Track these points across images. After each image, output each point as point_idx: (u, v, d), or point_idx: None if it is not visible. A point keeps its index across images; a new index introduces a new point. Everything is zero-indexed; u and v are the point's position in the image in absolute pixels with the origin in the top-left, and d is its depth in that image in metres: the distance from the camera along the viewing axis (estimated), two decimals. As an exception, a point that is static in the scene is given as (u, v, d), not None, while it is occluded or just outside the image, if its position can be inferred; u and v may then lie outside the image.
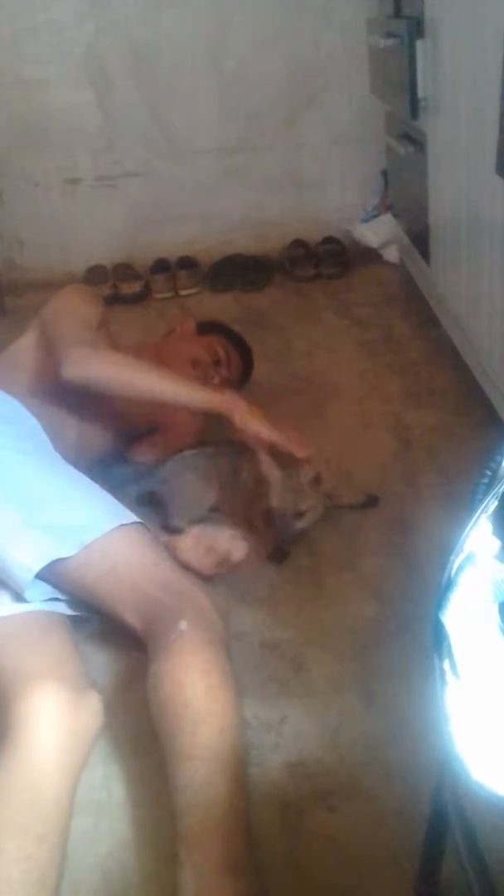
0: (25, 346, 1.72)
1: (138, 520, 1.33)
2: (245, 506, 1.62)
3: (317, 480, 1.53)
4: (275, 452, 1.56)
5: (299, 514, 1.53)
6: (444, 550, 0.68)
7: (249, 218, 3.12)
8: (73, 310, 1.72)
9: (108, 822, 1.10)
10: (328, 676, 1.28)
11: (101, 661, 1.36)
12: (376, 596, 1.43)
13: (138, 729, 1.22)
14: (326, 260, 2.98)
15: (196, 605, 1.21)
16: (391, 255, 2.90)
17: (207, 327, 2.03)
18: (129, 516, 1.32)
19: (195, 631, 1.16)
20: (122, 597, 1.25)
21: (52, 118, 2.91)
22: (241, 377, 2.00)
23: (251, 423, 1.54)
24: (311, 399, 2.11)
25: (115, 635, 1.41)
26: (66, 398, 1.65)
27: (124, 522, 1.30)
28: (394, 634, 1.33)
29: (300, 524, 1.54)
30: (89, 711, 1.15)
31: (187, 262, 3.06)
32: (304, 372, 2.27)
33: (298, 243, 3.10)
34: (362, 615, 1.39)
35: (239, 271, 3.01)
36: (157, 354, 1.87)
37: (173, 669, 1.12)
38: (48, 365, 1.63)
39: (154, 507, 1.66)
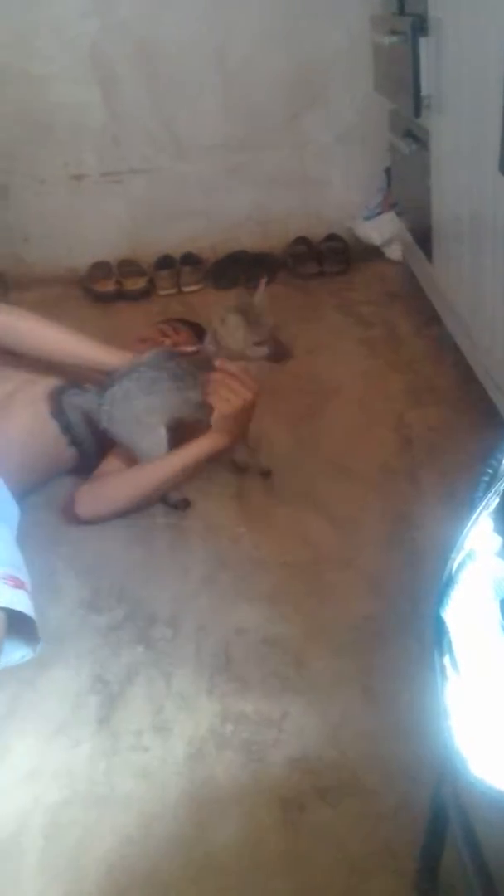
0: None
1: None
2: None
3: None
4: None
5: (258, 344, 1.60)
6: (445, 548, 0.69)
7: (253, 215, 3.12)
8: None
9: (111, 816, 1.10)
10: (329, 672, 1.29)
11: (106, 654, 1.37)
12: (377, 593, 1.43)
13: (141, 724, 1.23)
14: (329, 257, 2.98)
15: None
16: (394, 252, 2.90)
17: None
18: None
19: None
20: None
21: (58, 114, 2.91)
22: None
23: None
24: (312, 396, 2.11)
25: (118, 630, 1.42)
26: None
27: None
28: (394, 631, 1.34)
29: (259, 353, 1.60)
30: None
31: (191, 259, 3.06)
32: (306, 369, 2.27)
33: (301, 240, 3.10)
34: (363, 612, 1.39)
35: (242, 268, 3.01)
36: None
37: None
38: None
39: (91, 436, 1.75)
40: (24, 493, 1.64)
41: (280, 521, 1.66)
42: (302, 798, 1.10)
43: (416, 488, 1.69)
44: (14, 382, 1.77)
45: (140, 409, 1.64)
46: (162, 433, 1.66)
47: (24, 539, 1.43)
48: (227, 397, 1.59)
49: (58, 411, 1.73)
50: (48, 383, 1.78)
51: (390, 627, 1.35)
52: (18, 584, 1.22)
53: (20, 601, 1.19)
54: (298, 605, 1.43)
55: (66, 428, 1.74)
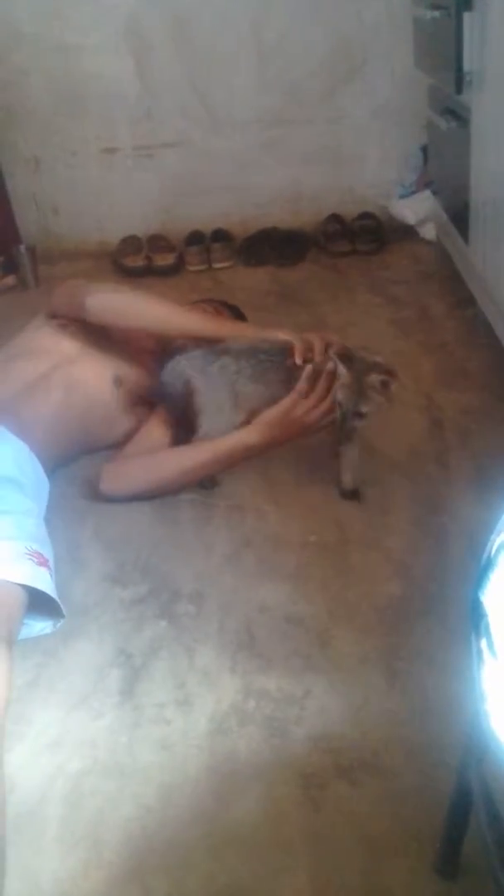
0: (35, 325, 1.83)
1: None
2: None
3: (385, 385, 1.50)
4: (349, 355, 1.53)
5: (358, 415, 1.52)
6: (474, 532, 0.68)
7: (286, 191, 3.09)
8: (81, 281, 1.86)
9: (131, 786, 1.11)
10: (353, 653, 1.28)
11: (129, 628, 1.38)
12: (403, 575, 1.42)
13: (163, 697, 1.24)
14: (362, 236, 2.95)
15: None
16: (428, 232, 2.86)
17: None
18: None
19: None
20: None
21: (92, 86, 2.90)
22: None
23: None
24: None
25: (142, 604, 1.42)
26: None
27: None
28: (420, 614, 1.33)
29: (357, 423, 1.54)
30: None
31: (221, 235, 3.04)
32: (337, 349, 2.26)
33: (334, 218, 3.07)
34: (388, 594, 1.39)
35: (273, 245, 2.99)
36: None
37: None
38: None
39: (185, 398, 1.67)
40: (54, 468, 1.64)
41: (306, 501, 1.65)
42: (323, 776, 1.10)
43: (446, 472, 1.68)
44: (52, 361, 1.76)
45: (240, 391, 1.60)
46: (236, 422, 1.62)
47: (52, 511, 1.45)
48: (300, 398, 1.53)
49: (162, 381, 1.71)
50: (85, 364, 1.78)
51: (416, 610, 1.34)
52: (42, 562, 1.22)
53: (42, 579, 1.20)
54: (323, 584, 1.43)
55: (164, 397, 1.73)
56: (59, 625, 1.30)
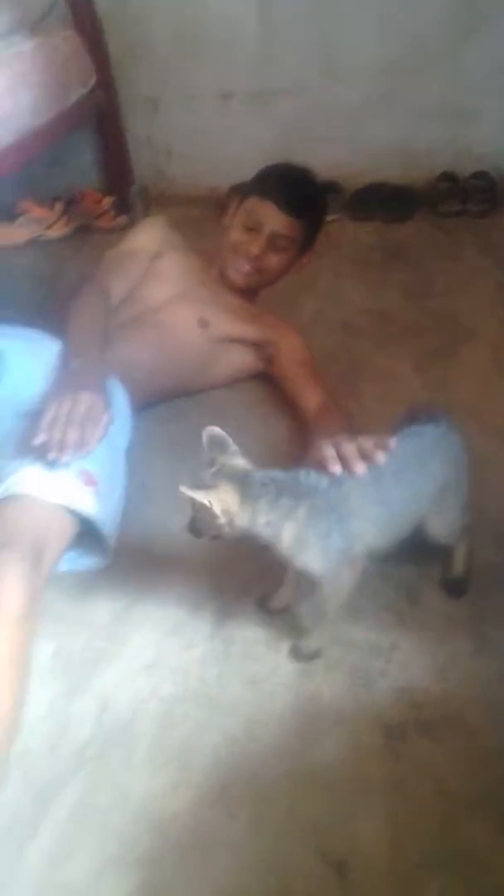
0: None
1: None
2: None
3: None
4: None
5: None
6: None
7: (399, 145, 3.01)
8: (122, 245, 1.96)
9: (219, 717, 1.16)
10: (442, 613, 1.30)
11: (222, 566, 1.41)
12: (497, 541, 1.42)
13: (253, 635, 1.28)
14: (474, 195, 2.86)
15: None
16: (545, 195, 2.76)
17: (244, 189, 1.98)
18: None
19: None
20: None
21: (213, 29, 2.86)
22: (300, 227, 1.89)
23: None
24: (444, 339, 2.06)
25: (237, 545, 1.45)
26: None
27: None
28: (512, 582, 1.33)
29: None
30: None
31: (330, 187, 2.99)
32: (441, 310, 2.22)
33: (447, 176, 2.98)
34: (483, 559, 1.38)
35: (383, 200, 2.93)
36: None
37: None
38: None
39: None
40: (145, 406, 1.66)
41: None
42: (404, 727, 1.13)
43: (549, 441, 1.65)
44: (140, 308, 1.81)
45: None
46: None
47: (153, 449, 1.48)
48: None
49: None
50: (171, 310, 1.81)
51: (509, 578, 1.34)
52: (89, 481, 1.22)
53: (84, 500, 1.19)
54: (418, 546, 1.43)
55: None
56: (105, 561, 1.30)
